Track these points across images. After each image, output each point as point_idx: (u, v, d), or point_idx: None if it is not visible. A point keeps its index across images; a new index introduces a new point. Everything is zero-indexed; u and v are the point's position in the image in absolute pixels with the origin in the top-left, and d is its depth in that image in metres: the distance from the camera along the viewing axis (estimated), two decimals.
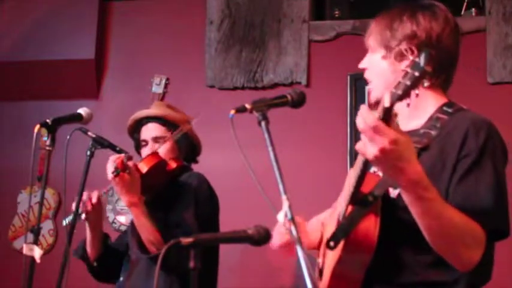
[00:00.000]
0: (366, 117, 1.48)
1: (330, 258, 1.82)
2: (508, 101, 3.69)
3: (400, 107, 1.84)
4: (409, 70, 1.45)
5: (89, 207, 2.65)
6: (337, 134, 3.90)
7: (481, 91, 3.73)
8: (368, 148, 1.51)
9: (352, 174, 1.78)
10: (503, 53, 3.76)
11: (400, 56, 1.85)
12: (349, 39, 3.99)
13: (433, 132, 1.77)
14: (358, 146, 1.54)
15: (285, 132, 3.67)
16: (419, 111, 1.85)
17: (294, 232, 1.55)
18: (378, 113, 1.49)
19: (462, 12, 3.92)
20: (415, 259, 1.74)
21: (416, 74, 1.42)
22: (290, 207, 1.56)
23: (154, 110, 2.88)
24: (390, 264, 1.75)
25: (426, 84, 1.45)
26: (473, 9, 3.89)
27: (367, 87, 1.97)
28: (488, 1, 3.84)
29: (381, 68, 1.89)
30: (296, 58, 4.05)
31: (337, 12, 4.10)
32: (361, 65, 1.96)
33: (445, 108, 1.83)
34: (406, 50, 1.83)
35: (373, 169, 1.81)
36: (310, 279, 1.47)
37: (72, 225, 2.51)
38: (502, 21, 3.80)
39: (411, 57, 1.79)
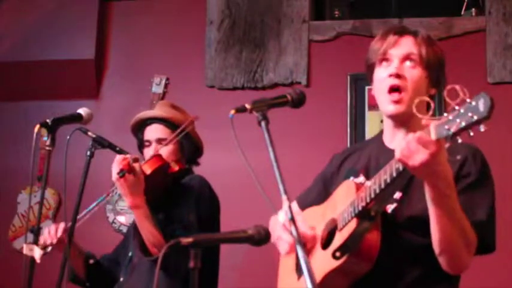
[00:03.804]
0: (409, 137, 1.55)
1: (320, 261, 1.86)
2: (508, 101, 3.69)
3: (386, 124, 1.96)
4: (462, 110, 1.42)
5: (54, 240, 2.60)
6: (337, 134, 3.90)
7: (481, 91, 3.72)
8: (411, 160, 1.55)
9: (350, 190, 1.85)
10: (503, 53, 3.77)
11: (440, 86, 1.92)
12: (349, 39, 3.98)
13: None
14: (401, 156, 1.58)
15: (285, 132, 3.67)
16: (405, 130, 1.89)
17: (294, 232, 1.55)
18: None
19: (462, 12, 3.93)
20: (408, 270, 1.82)
21: (475, 118, 1.39)
22: (290, 207, 1.57)
23: (159, 111, 2.86)
24: (383, 274, 1.80)
25: (483, 129, 1.39)
26: (473, 9, 3.89)
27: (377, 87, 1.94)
28: (488, 1, 3.85)
29: (420, 85, 1.90)
30: (296, 58, 4.05)
31: (337, 12, 4.10)
32: (398, 71, 1.88)
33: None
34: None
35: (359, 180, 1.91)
36: (310, 279, 1.47)
37: (72, 227, 2.50)
38: (502, 21, 3.80)
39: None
